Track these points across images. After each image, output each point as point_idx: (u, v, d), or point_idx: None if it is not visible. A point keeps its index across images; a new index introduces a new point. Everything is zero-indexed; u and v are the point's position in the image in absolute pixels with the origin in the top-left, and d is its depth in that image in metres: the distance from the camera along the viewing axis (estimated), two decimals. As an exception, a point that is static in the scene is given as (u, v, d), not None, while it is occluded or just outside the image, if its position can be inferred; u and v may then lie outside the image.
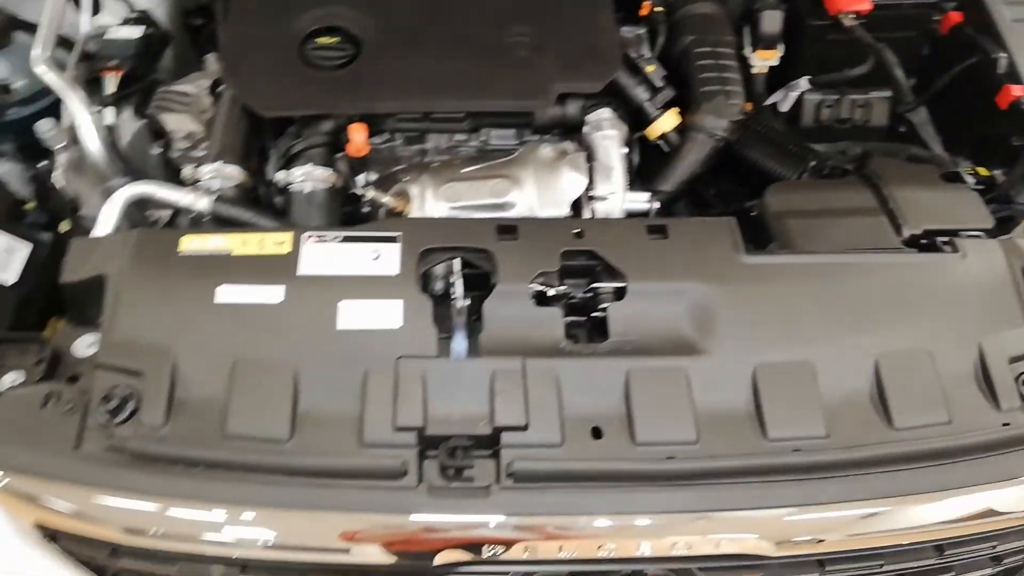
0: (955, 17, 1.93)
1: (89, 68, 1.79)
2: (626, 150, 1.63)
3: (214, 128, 1.67)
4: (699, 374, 1.22)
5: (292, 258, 1.31)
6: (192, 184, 1.59)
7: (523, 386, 1.20)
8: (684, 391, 1.21)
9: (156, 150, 1.78)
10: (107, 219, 1.47)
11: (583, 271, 1.35)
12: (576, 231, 1.37)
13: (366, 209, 1.61)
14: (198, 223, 1.56)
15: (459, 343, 1.29)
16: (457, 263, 1.34)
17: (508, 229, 1.36)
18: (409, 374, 1.20)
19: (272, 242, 1.33)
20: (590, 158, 1.60)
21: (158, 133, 1.79)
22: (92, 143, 1.69)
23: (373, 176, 1.66)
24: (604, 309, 1.31)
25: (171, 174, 1.77)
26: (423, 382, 1.19)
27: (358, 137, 1.56)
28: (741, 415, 1.21)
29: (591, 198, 1.57)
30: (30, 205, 1.68)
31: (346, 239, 1.34)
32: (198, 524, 1.15)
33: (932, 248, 1.41)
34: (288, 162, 1.61)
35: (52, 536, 1.22)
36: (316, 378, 1.20)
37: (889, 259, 1.37)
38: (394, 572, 1.20)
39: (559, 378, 1.21)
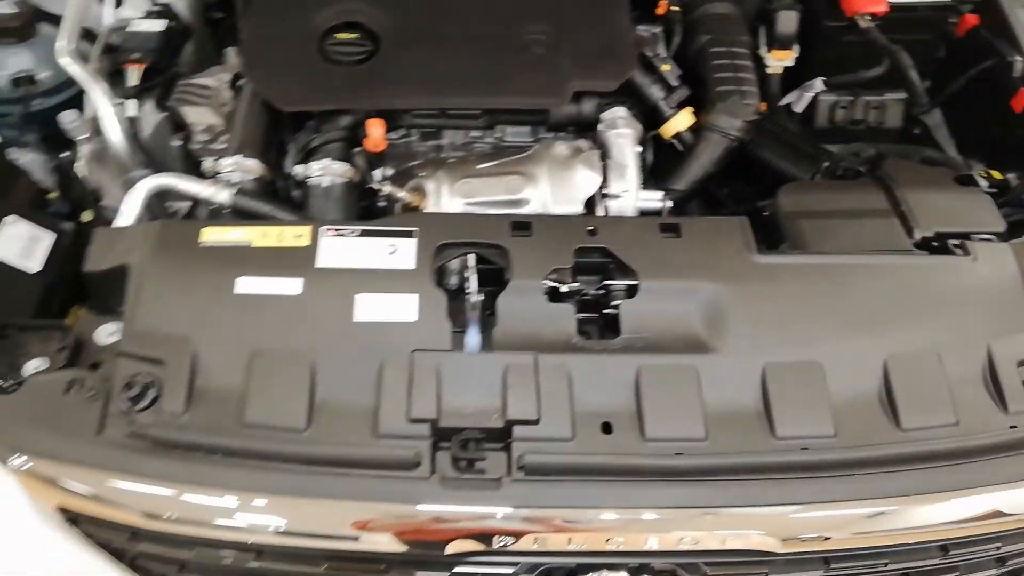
0: (971, 19, 1.94)
1: (112, 60, 1.81)
2: (640, 149, 1.64)
3: (234, 122, 1.69)
4: (709, 372, 1.24)
5: (310, 251, 1.33)
6: (212, 177, 1.61)
7: (535, 381, 1.21)
8: (694, 388, 1.22)
9: (176, 142, 1.80)
10: (129, 210, 1.50)
11: (596, 268, 1.36)
12: (589, 229, 1.39)
13: (382, 203, 1.63)
14: (217, 215, 1.59)
15: (473, 337, 1.31)
16: (472, 258, 1.36)
17: (522, 226, 1.38)
18: (424, 367, 1.22)
19: (291, 235, 1.36)
20: (604, 156, 1.61)
21: (178, 125, 1.82)
22: (114, 134, 1.71)
23: (389, 171, 1.68)
24: (616, 306, 1.32)
25: (191, 166, 1.80)
26: (437, 375, 1.21)
27: (375, 132, 1.59)
28: (750, 413, 1.22)
29: (605, 196, 1.58)
30: (53, 194, 1.70)
31: (363, 233, 1.37)
32: (216, 510, 1.17)
33: (943, 251, 1.42)
34: (306, 156, 1.63)
35: (74, 519, 1.25)
36: (332, 369, 1.23)
37: (900, 261, 1.38)
38: (406, 560, 1.22)
39: (571, 373, 1.23)
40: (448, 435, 1.18)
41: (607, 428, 1.20)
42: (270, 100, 1.64)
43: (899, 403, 1.23)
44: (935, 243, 1.43)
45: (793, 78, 1.94)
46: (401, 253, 1.34)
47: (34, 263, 1.49)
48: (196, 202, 1.63)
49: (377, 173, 1.63)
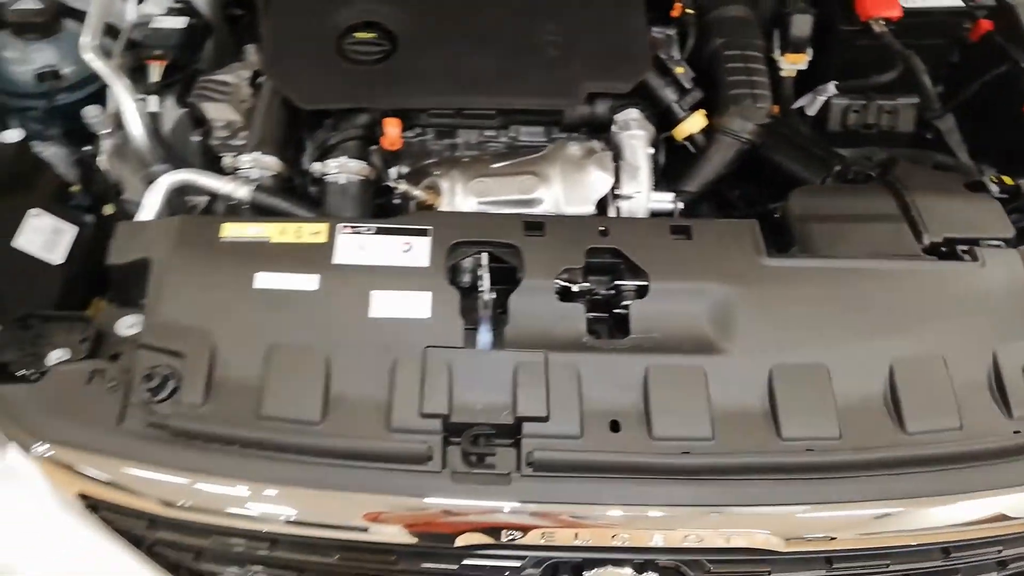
0: (986, 25, 1.95)
1: (134, 56, 1.85)
2: (652, 150, 1.66)
3: (254, 118, 1.72)
4: (716, 372, 1.26)
5: (327, 247, 1.36)
6: (232, 173, 1.64)
7: (545, 379, 1.23)
8: (701, 389, 1.24)
9: (196, 138, 1.83)
10: (151, 204, 1.52)
11: (607, 268, 1.38)
12: (601, 229, 1.40)
13: (397, 201, 1.65)
14: (235, 210, 1.62)
15: (485, 335, 1.33)
16: (485, 257, 1.38)
17: (535, 226, 1.40)
18: (436, 363, 1.24)
19: (308, 232, 1.38)
20: (617, 157, 1.63)
21: (198, 121, 1.85)
22: (136, 129, 1.75)
23: (405, 169, 1.71)
24: (626, 306, 1.34)
25: (210, 161, 1.83)
26: (449, 371, 1.23)
27: (392, 131, 1.61)
28: (756, 414, 1.24)
29: (617, 197, 1.60)
30: (75, 188, 1.73)
31: (379, 231, 1.39)
32: (231, 499, 1.20)
33: (952, 256, 1.43)
34: (324, 153, 1.65)
35: (94, 507, 1.27)
36: (347, 364, 1.25)
37: (908, 266, 1.40)
38: (416, 552, 1.25)
39: (580, 372, 1.25)
40: (459, 430, 1.21)
41: (615, 426, 1.22)
42: (289, 98, 1.66)
43: (904, 406, 1.24)
44: (944, 248, 1.44)
45: (806, 81, 1.95)
46: (416, 251, 1.36)
47: (57, 256, 1.51)
48: (214, 197, 1.66)
49: (393, 171, 1.66)
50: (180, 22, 1.88)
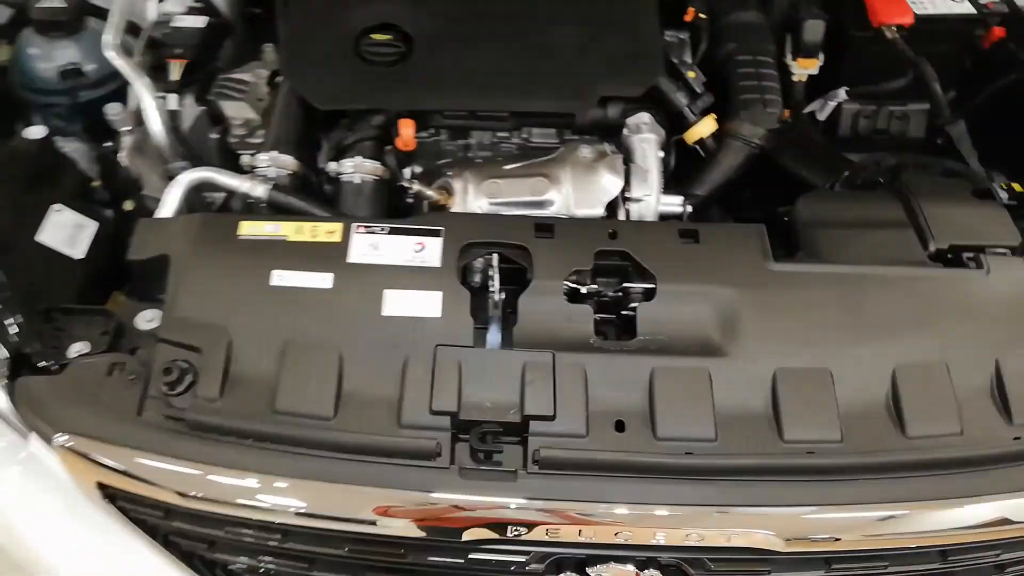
0: (999, 32, 1.95)
1: (155, 55, 1.88)
2: (662, 154, 1.67)
3: (271, 118, 1.74)
4: (721, 375, 1.27)
5: (342, 246, 1.38)
6: (250, 171, 1.67)
7: (552, 378, 1.26)
8: (706, 390, 1.26)
9: (214, 135, 1.87)
10: (170, 201, 1.55)
11: (615, 271, 1.40)
12: (610, 232, 1.42)
13: (410, 200, 1.68)
14: (251, 207, 1.65)
15: (494, 334, 1.36)
16: (495, 258, 1.40)
17: (545, 228, 1.42)
18: (446, 361, 1.26)
19: (324, 231, 1.41)
20: (627, 160, 1.65)
21: (217, 119, 1.88)
22: (156, 127, 1.78)
23: (418, 169, 1.73)
24: (633, 308, 1.36)
25: (227, 158, 1.87)
26: (459, 370, 1.26)
27: (407, 132, 1.64)
28: (759, 416, 1.26)
29: (627, 199, 1.62)
30: (96, 183, 1.77)
31: (392, 231, 1.41)
32: (245, 491, 1.22)
33: (957, 263, 1.44)
34: (340, 153, 1.68)
35: (111, 497, 1.31)
36: (360, 361, 1.27)
37: (913, 272, 1.41)
38: (424, 546, 1.27)
39: (587, 372, 1.27)
40: (467, 428, 1.23)
41: (620, 426, 1.24)
42: (306, 98, 1.69)
43: (905, 411, 1.26)
44: (950, 255, 1.45)
45: (818, 86, 1.96)
46: (428, 251, 1.39)
47: (78, 250, 1.55)
48: (231, 193, 1.69)
49: (407, 171, 1.69)
50: (200, 21, 1.92)
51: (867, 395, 1.28)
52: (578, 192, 1.61)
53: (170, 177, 1.80)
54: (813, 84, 1.95)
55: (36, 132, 1.61)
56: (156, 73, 1.85)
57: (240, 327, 1.30)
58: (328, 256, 1.37)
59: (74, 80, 1.88)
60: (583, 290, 1.38)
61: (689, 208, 1.65)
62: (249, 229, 1.40)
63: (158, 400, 1.26)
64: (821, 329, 1.34)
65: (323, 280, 1.34)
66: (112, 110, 1.80)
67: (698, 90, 1.76)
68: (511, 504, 1.21)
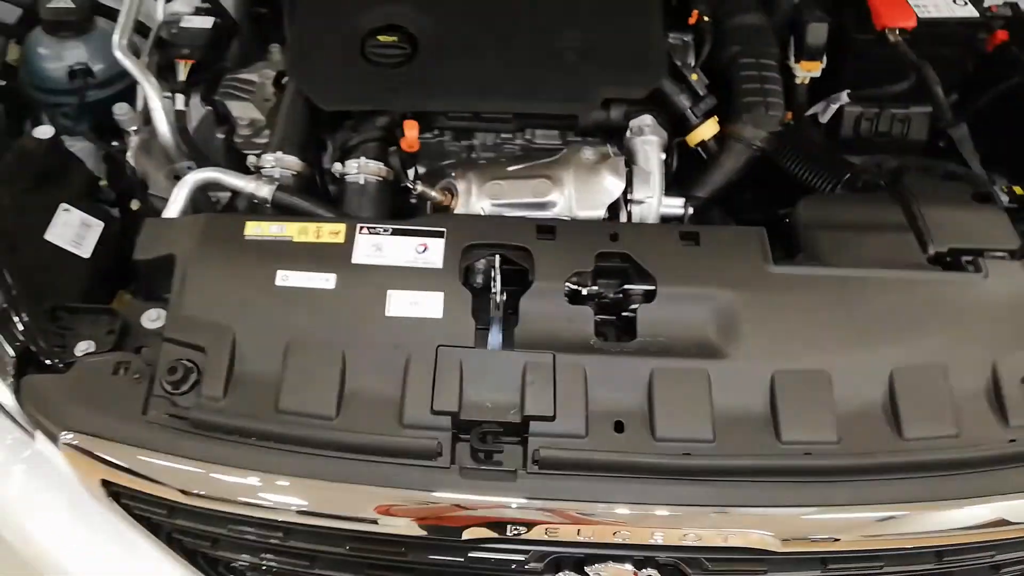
0: (1002, 35, 1.96)
1: (163, 55, 1.90)
2: (664, 156, 1.69)
3: (277, 118, 1.75)
4: (719, 377, 1.29)
5: (346, 247, 1.40)
6: (255, 171, 1.69)
7: (553, 379, 1.27)
8: (704, 392, 1.27)
9: (220, 135, 1.89)
10: (177, 201, 1.57)
11: (616, 272, 1.41)
12: (611, 234, 1.43)
13: (413, 200, 1.69)
14: (255, 208, 1.66)
15: (495, 335, 1.37)
16: (497, 259, 1.41)
17: (547, 229, 1.43)
18: (447, 362, 1.28)
19: (328, 231, 1.42)
20: (629, 162, 1.66)
21: (223, 118, 1.90)
22: (163, 127, 1.80)
23: (422, 169, 1.75)
24: (634, 310, 1.37)
25: (233, 158, 1.88)
26: (460, 370, 1.27)
27: (411, 133, 1.65)
28: (757, 417, 1.27)
29: (628, 201, 1.63)
30: (103, 182, 1.78)
31: (395, 232, 1.42)
32: (248, 490, 1.24)
33: (956, 267, 1.45)
34: (344, 154, 1.70)
35: (116, 494, 1.33)
36: (362, 361, 1.29)
37: (912, 276, 1.42)
38: (424, 544, 1.29)
39: (587, 373, 1.28)
40: (468, 427, 1.25)
41: (619, 427, 1.26)
42: (312, 99, 1.70)
43: (902, 413, 1.27)
44: (949, 259, 1.46)
45: (820, 88, 1.97)
46: (431, 252, 1.40)
47: (84, 250, 1.56)
48: (236, 193, 1.70)
49: (410, 172, 1.70)
50: (207, 22, 1.93)
51: (864, 397, 1.29)
52: (580, 194, 1.63)
53: (176, 176, 1.83)
54: (816, 86, 1.96)
55: (45, 132, 1.62)
56: (163, 73, 1.88)
57: (244, 327, 1.31)
58: (332, 257, 1.39)
59: (82, 80, 1.89)
60: (584, 291, 1.39)
61: (690, 210, 1.66)
62: (254, 230, 1.42)
63: (163, 399, 1.27)
64: (820, 331, 1.35)
65: (327, 281, 1.36)
66: (120, 110, 1.82)
67: (701, 93, 1.77)
68: (511, 504, 1.22)
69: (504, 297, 1.39)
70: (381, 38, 1.74)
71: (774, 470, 1.24)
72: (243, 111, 1.87)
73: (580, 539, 1.25)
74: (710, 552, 1.27)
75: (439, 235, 1.42)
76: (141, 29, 1.92)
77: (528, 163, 1.69)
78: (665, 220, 1.65)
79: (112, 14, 1.97)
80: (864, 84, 1.93)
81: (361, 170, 1.65)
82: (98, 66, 1.92)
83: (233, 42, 2.02)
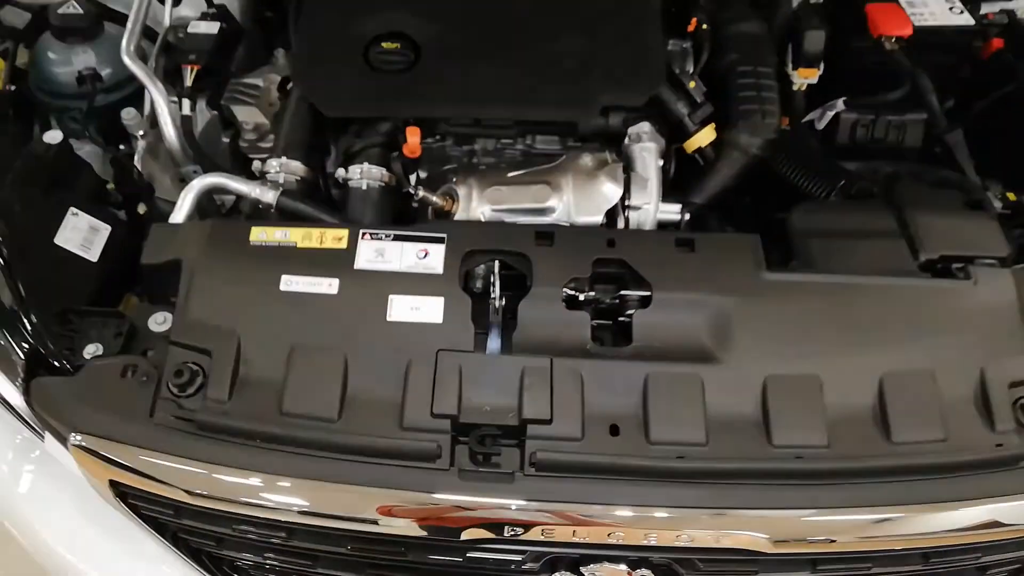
0: (997, 43, 1.98)
1: (170, 60, 1.93)
2: (662, 162, 1.71)
3: (282, 124, 1.78)
4: (713, 381, 1.31)
5: (349, 253, 1.42)
6: (260, 177, 1.72)
7: (550, 383, 1.29)
8: (698, 396, 1.30)
9: (225, 139, 1.92)
10: (184, 206, 1.60)
11: (612, 278, 1.44)
12: (608, 240, 1.46)
13: (415, 204, 1.72)
14: (259, 213, 1.69)
15: (494, 340, 1.39)
16: (496, 265, 1.44)
17: (545, 236, 1.46)
18: (447, 366, 1.30)
19: (331, 237, 1.44)
20: (628, 168, 1.69)
21: (228, 123, 1.93)
22: (169, 131, 1.82)
23: (423, 174, 1.77)
24: (630, 315, 1.39)
25: (238, 162, 1.92)
26: (459, 374, 1.30)
27: (413, 140, 1.67)
28: (749, 421, 1.29)
29: (626, 207, 1.65)
30: (110, 186, 1.81)
31: (397, 237, 1.45)
32: (252, 490, 1.27)
33: (946, 274, 1.47)
34: (348, 159, 1.73)
35: (123, 494, 1.36)
36: (364, 365, 1.31)
37: (902, 283, 1.44)
38: (424, 544, 1.32)
39: (583, 377, 1.30)
40: (467, 430, 1.27)
41: (614, 430, 1.28)
42: (316, 105, 1.73)
43: (891, 418, 1.29)
44: (939, 266, 1.48)
45: (818, 95, 1.99)
46: (431, 258, 1.43)
47: (92, 254, 1.59)
48: (239, 197, 1.73)
49: (412, 178, 1.73)
50: (213, 27, 1.96)
51: (854, 401, 1.32)
52: (579, 200, 1.65)
53: (182, 180, 1.86)
54: (813, 93, 1.98)
55: (54, 137, 1.65)
56: (170, 78, 1.91)
57: (249, 331, 1.34)
58: (335, 262, 1.41)
59: (91, 85, 1.92)
60: (581, 297, 1.41)
61: (687, 216, 1.68)
62: (259, 235, 1.44)
63: (169, 401, 1.30)
64: (811, 337, 1.37)
65: (330, 286, 1.38)
66: (128, 115, 1.85)
67: (698, 100, 1.80)
68: (508, 505, 1.25)
69: (503, 302, 1.42)
70: (384, 45, 1.76)
71: (765, 473, 1.26)
72: (248, 116, 1.89)
73: (576, 540, 1.27)
74: (703, 553, 1.30)
75: (440, 241, 1.45)
76: (148, 33, 1.95)
77: (528, 169, 1.72)
78: (662, 226, 1.67)
79: (120, 19, 2.00)
80: (861, 91, 1.94)
81: (364, 175, 1.68)
82: (106, 71, 1.95)
83: (239, 47, 2.04)
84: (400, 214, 1.72)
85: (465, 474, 1.25)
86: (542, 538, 1.27)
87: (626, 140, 1.73)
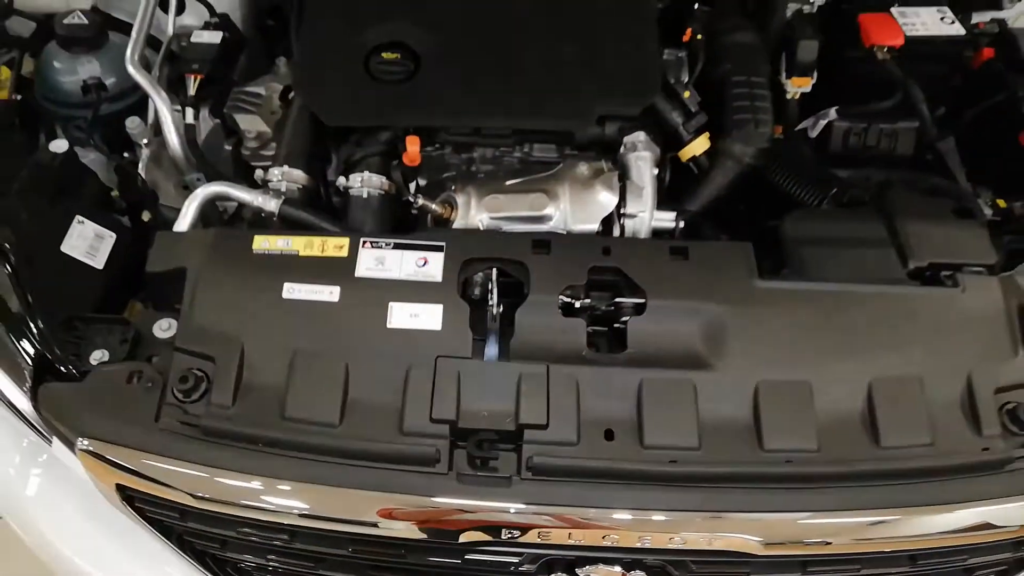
0: (988, 52, 2.01)
1: (173, 69, 1.96)
2: (657, 171, 1.74)
3: (284, 133, 1.81)
4: (705, 387, 1.34)
5: (350, 261, 1.45)
6: (263, 185, 1.75)
7: (546, 389, 1.32)
8: (690, 402, 1.33)
9: (227, 147, 1.95)
10: (188, 215, 1.63)
11: (608, 286, 1.46)
12: (604, 248, 1.48)
13: (415, 212, 1.75)
14: (260, 221, 1.72)
15: (492, 346, 1.42)
16: (494, 273, 1.46)
17: (542, 244, 1.48)
18: (446, 372, 1.33)
19: (333, 245, 1.47)
20: (623, 177, 1.71)
21: (230, 131, 1.96)
22: (173, 140, 1.86)
23: (423, 181, 1.80)
24: (624, 322, 1.42)
25: (240, 169, 1.95)
26: (458, 380, 1.33)
27: (413, 149, 1.70)
28: (741, 426, 1.32)
29: (622, 215, 1.68)
30: (115, 193, 1.84)
31: (396, 246, 1.48)
32: (256, 494, 1.30)
33: (934, 281, 1.50)
34: (348, 168, 1.75)
35: (129, 498, 1.39)
36: (365, 371, 1.34)
37: (891, 290, 1.46)
38: (423, 546, 1.35)
39: (579, 383, 1.33)
40: (465, 435, 1.30)
41: (609, 435, 1.31)
42: (317, 114, 1.76)
43: (880, 423, 1.32)
44: (928, 273, 1.51)
45: (811, 103, 2.02)
46: (430, 266, 1.46)
47: (98, 262, 1.61)
48: (241, 204, 1.76)
49: (412, 186, 1.76)
50: (215, 37, 1.99)
51: (844, 407, 1.35)
52: (575, 208, 1.67)
53: (185, 187, 1.89)
54: (807, 101, 2.01)
55: (60, 146, 1.67)
56: (174, 87, 1.94)
57: (252, 338, 1.36)
58: (336, 270, 1.44)
59: (96, 94, 1.94)
60: (577, 304, 1.44)
61: (681, 224, 1.71)
62: (262, 244, 1.47)
63: (174, 407, 1.33)
64: (802, 344, 1.40)
65: (331, 293, 1.41)
66: (132, 124, 1.88)
67: (693, 109, 1.82)
68: (505, 508, 1.28)
69: (501, 309, 1.44)
70: (385, 55, 1.78)
71: (756, 477, 1.29)
72: (250, 124, 1.93)
73: (571, 542, 1.30)
74: (695, 555, 1.33)
75: (439, 249, 1.47)
76: (152, 42, 1.98)
77: (526, 177, 1.74)
78: (657, 233, 1.70)
79: (124, 28, 2.03)
80: (854, 100, 1.97)
81: (364, 184, 1.71)
82: (110, 80, 1.98)
83: (241, 55, 2.07)
84: (400, 221, 1.75)
85: (463, 478, 1.28)
86: (538, 540, 1.30)
87: (622, 149, 1.76)
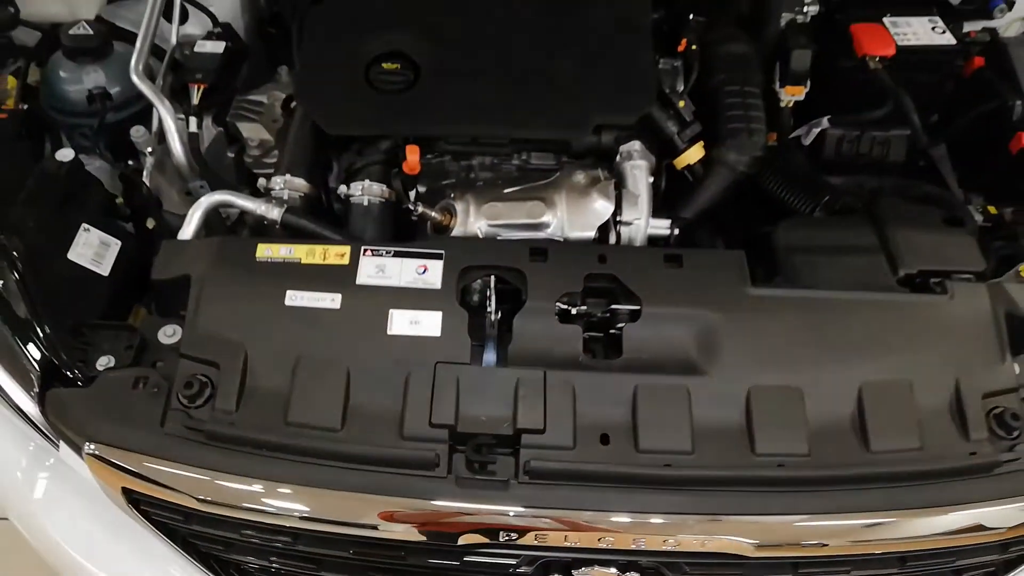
0: (978, 61, 2.04)
1: (177, 78, 1.99)
2: (652, 179, 1.77)
3: (286, 142, 1.84)
4: (699, 392, 1.36)
5: (351, 269, 1.47)
6: (265, 193, 1.78)
7: (543, 394, 1.35)
8: (684, 407, 1.35)
9: (230, 155, 1.98)
10: (192, 223, 1.65)
11: (604, 293, 1.49)
12: (600, 256, 1.51)
13: (415, 219, 1.77)
14: (262, 225, 1.75)
15: (490, 352, 1.44)
16: (492, 280, 1.49)
17: (539, 252, 1.51)
18: (445, 378, 1.36)
19: (334, 253, 1.50)
20: (619, 185, 1.74)
21: (233, 139, 1.99)
22: (177, 147, 1.88)
23: (422, 189, 1.83)
24: (620, 328, 1.44)
25: (243, 177, 1.97)
26: (457, 385, 1.35)
27: (412, 157, 1.72)
28: (733, 431, 1.35)
29: (618, 223, 1.71)
30: (119, 200, 1.86)
31: (397, 254, 1.50)
32: (259, 497, 1.32)
33: (924, 288, 1.53)
34: (349, 176, 1.79)
35: (135, 501, 1.41)
36: (366, 377, 1.37)
37: (881, 297, 1.49)
38: (423, 549, 1.38)
39: (575, 388, 1.36)
40: (464, 440, 1.33)
41: (605, 439, 1.34)
42: (319, 123, 1.79)
43: (870, 427, 1.35)
44: (917, 280, 1.54)
45: (804, 111, 2.05)
46: (430, 273, 1.48)
47: (104, 268, 1.63)
48: (243, 211, 1.79)
49: (412, 193, 1.79)
50: (218, 46, 2.02)
51: (834, 412, 1.37)
52: (572, 215, 1.70)
53: (189, 194, 1.92)
54: (800, 109, 2.03)
55: (66, 155, 1.70)
56: (177, 96, 1.97)
57: (256, 344, 1.39)
58: (337, 278, 1.46)
59: (101, 103, 1.97)
60: (573, 311, 1.46)
61: (676, 231, 1.74)
62: (265, 252, 1.50)
63: (179, 412, 1.36)
64: (794, 350, 1.43)
65: (333, 301, 1.44)
66: (136, 133, 1.91)
67: (687, 119, 1.86)
68: (503, 511, 1.30)
69: (499, 316, 1.47)
70: (385, 65, 1.81)
71: (749, 480, 1.32)
72: (253, 132, 1.96)
73: (568, 544, 1.33)
74: (689, 557, 1.36)
75: (438, 257, 1.50)
76: (156, 51, 2.01)
77: (523, 184, 1.77)
78: (653, 240, 1.73)
79: (129, 37, 2.06)
80: (846, 108, 2.00)
81: (365, 192, 1.74)
82: (115, 89, 2.00)
83: (244, 65, 2.10)
84: (400, 229, 1.78)
85: (462, 481, 1.30)
86: (536, 543, 1.33)
87: (618, 158, 1.79)
